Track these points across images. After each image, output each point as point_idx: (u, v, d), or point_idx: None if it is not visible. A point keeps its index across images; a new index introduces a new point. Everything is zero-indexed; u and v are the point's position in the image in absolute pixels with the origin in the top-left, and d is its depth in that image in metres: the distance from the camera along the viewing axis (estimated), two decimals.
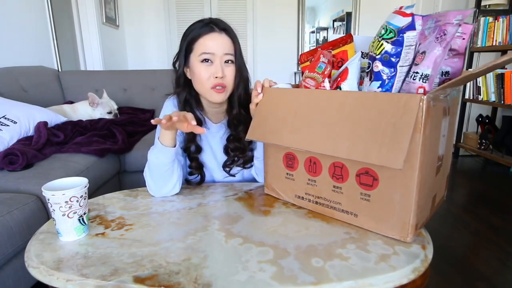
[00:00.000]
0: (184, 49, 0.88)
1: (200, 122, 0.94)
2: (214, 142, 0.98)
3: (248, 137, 0.80)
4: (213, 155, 0.98)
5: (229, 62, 0.87)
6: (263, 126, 0.79)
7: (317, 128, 0.68)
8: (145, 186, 0.90)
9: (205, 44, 0.85)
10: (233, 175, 0.99)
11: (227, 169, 0.98)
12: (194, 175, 0.96)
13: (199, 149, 0.96)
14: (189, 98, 0.93)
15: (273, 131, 0.76)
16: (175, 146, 0.83)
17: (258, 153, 0.94)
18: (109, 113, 1.97)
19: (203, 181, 0.97)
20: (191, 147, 0.94)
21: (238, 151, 0.95)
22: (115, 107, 2.03)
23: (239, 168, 0.98)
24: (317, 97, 0.71)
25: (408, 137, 0.55)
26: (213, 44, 0.85)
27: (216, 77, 0.85)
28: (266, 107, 0.80)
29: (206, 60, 0.85)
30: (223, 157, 0.98)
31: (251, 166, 0.98)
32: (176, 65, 0.93)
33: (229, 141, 0.96)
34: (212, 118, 0.99)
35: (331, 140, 0.65)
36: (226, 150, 0.97)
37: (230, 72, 0.87)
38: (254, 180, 1.00)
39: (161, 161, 0.83)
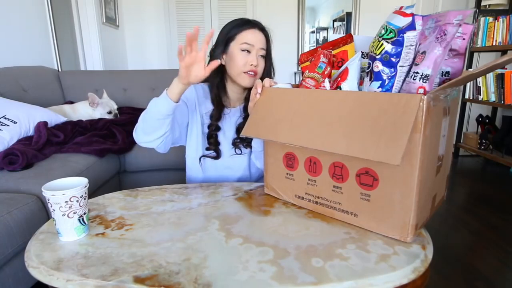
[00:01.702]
0: (226, 38, 0.99)
1: (222, 107, 1.05)
2: (228, 124, 1.08)
3: (244, 133, 0.81)
4: (224, 135, 1.07)
5: (262, 57, 1.01)
6: (260, 123, 0.79)
7: (315, 125, 0.68)
8: (145, 186, 0.90)
9: (247, 36, 0.98)
10: (240, 153, 1.07)
11: (235, 147, 1.07)
12: (210, 150, 1.06)
13: (218, 127, 1.06)
14: (218, 82, 1.05)
15: (270, 128, 0.76)
16: (177, 102, 0.87)
17: (255, 144, 1.03)
18: (109, 113, 1.97)
19: (218, 157, 1.06)
20: (214, 126, 1.05)
21: None
22: (115, 107, 2.03)
23: (245, 150, 1.07)
24: (317, 97, 0.71)
25: (407, 135, 0.55)
26: (253, 37, 0.98)
27: (251, 65, 0.97)
28: (264, 105, 0.80)
29: (245, 50, 0.97)
30: (232, 135, 1.07)
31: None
32: (214, 54, 1.02)
33: (245, 119, 1.04)
34: (231, 102, 1.09)
35: (329, 137, 0.65)
36: (238, 129, 1.06)
37: (262, 65, 1.01)
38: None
39: (158, 109, 0.87)
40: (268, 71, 1.04)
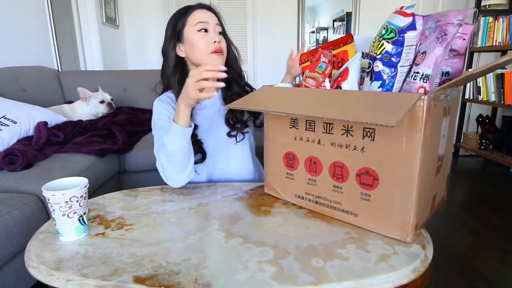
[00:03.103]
0: (176, 28, 0.93)
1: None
2: (209, 116, 1.00)
3: (230, 106, 0.77)
4: (209, 129, 0.99)
5: (220, 34, 0.95)
6: (248, 99, 0.77)
7: (309, 99, 0.68)
8: (145, 186, 0.89)
9: (198, 15, 0.92)
10: (242, 138, 1.01)
11: (232, 137, 1.00)
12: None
13: (194, 126, 0.96)
14: (181, 78, 0.95)
15: (260, 102, 0.75)
16: (191, 126, 0.84)
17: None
18: (102, 102, 1.95)
19: (204, 158, 0.98)
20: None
21: (240, 122, 1.00)
22: (108, 97, 2.01)
23: (240, 137, 1.01)
24: (316, 95, 0.71)
25: (406, 108, 0.52)
26: (205, 15, 0.92)
27: (215, 42, 0.90)
28: (263, 99, 0.79)
29: (202, 30, 0.91)
30: (221, 128, 1.00)
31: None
32: (167, 51, 0.95)
33: (230, 112, 1.00)
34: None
35: (323, 106, 0.64)
36: (228, 120, 0.99)
37: (224, 41, 0.95)
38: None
39: (180, 145, 0.83)
40: (232, 50, 0.99)
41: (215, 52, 0.91)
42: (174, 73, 0.95)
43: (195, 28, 0.90)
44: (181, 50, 0.94)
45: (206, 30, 0.91)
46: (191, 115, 0.94)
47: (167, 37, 0.95)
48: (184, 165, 0.87)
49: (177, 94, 0.93)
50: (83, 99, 1.93)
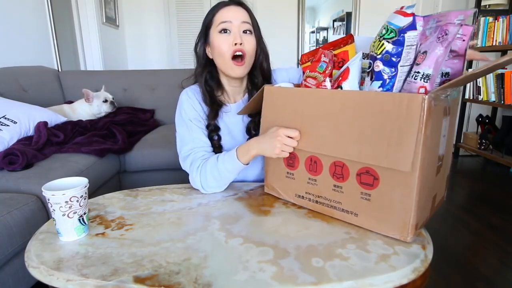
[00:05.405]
0: (205, 27, 0.90)
1: (220, 106, 0.95)
2: (232, 121, 0.96)
3: (241, 113, 0.81)
4: (230, 134, 0.97)
5: (248, 32, 0.88)
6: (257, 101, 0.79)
7: (325, 131, 0.69)
8: (145, 186, 0.89)
9: (222, 14, 0.87)
10: None
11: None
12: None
13: (217, 128, 0.95)
14: (209, 78, 0.94)
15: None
16: (247, 164, 0.85)
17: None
18: (105, 101, 1.96)
19: None
20: (211, 126, 0.94)
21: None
22: (110, 96, 2.02)
23: None
24: (320, 97, 0.71)
25: (413, 140, 0.57)
26: (230, 14, 0.87)
27: (235, 44, 0.85)
28: (271, 109, 0.80)
29: (224, 31, 0.86)
30: (241, 136, 0.97)
31: None
32: (197, 49, 0.94)
33: (252, 121, 0.96)
34: (231, 97, 0.98)
35: (341, 143, 0.67)
36: (248, 129, 0.96)
37: (249, 41, 0.88)
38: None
39: (235, 176, 0.87)
40: (263, 49, 0.93)
41: (236, 60, 0.87)
42: (202, 73, 0.93)
43: (218, 29, 0.86)
44: (209, 52, 0.92)
45: (229, 31, 0.86)
46: (217, 117, 0.93)
47: (200, 34, 0.92)
48: (227, 184, 0.89)
49: (203, 95, 0.93)
50: (86, 100, 1.93)
